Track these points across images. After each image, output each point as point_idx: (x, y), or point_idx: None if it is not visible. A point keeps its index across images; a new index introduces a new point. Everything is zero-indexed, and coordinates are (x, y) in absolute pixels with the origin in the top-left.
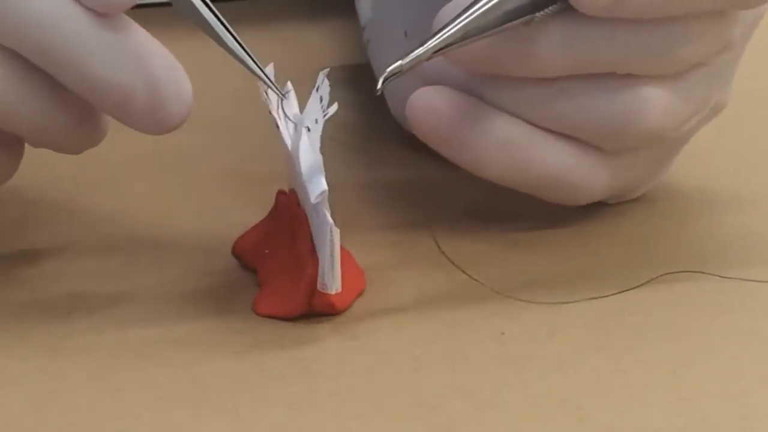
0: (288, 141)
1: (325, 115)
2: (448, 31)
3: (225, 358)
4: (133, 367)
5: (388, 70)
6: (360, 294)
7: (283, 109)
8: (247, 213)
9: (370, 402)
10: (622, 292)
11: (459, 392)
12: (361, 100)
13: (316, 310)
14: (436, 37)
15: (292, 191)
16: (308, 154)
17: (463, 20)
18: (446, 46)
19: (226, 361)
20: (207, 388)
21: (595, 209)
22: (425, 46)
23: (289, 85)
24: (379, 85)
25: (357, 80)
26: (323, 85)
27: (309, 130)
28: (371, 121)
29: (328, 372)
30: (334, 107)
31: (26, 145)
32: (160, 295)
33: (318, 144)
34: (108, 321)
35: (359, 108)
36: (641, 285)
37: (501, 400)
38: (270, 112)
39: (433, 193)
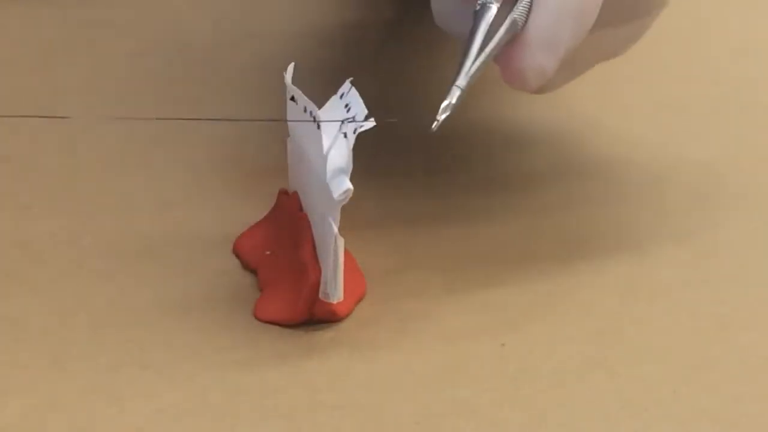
0: (318, 142)
1: (360, 127)
2: (475, 59)
3: (226, 368)
4: (134, 377)
5: (441, 109)
6: (361, 299)
7: (310, 110)
8: (248, 209)
9: (370, 418)
10: (623, 303)
11: (459, 409)
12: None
13: (317, 317)
14: (466, 69)
15: (294, 194)
16: (337, 158)
17: (482, 47)
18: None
19: (226, 372)
20: (207, 400)
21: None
22: (463, 78)
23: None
24: (435, 126)
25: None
26: (349, 93)
27: (345, 136)
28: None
29: (328, 385)
30: (371, 122)
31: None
32: (162, 300)
33: (349, 153)
34: (108, 327)
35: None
36: (642, 296)
37: (501, 418)
38: (304, 111)
39: (435, 195)
